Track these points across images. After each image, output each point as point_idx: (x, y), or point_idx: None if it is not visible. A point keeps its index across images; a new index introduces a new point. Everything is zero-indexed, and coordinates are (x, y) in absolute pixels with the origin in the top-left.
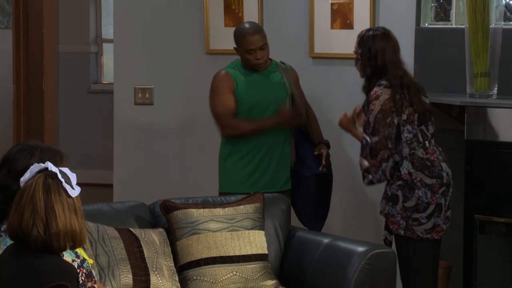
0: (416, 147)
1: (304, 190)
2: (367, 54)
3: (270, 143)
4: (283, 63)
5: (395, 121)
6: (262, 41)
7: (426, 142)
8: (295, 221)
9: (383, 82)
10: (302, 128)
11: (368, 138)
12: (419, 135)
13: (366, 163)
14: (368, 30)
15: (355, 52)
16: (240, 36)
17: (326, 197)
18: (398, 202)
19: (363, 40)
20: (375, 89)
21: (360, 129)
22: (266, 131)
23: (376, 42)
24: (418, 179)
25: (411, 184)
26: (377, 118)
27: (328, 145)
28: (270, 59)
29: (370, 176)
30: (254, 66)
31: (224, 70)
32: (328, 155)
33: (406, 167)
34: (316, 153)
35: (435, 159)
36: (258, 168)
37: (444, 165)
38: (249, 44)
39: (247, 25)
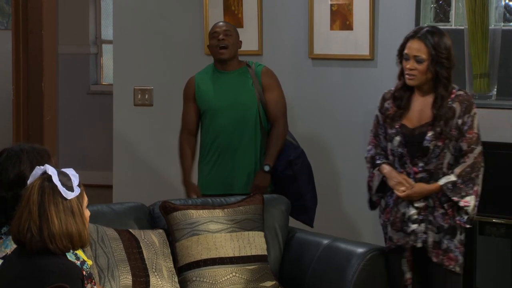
0: None
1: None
2: (448, 52)
3: (223, 145)
4: (258, 65)
5: None
6: (227, 27)
7: None
8: (294, 223)
9: (458, 88)
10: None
11: (456, 173)
12: None
13: (474, 198)
14: (434, 27)
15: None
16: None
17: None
18: (456, 235)
19: (444, 37)
20: (463, 92)
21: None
22: (221, 135)
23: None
24: None
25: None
26: (479, 124)
27: (269, 172)
28: (246, 62)
29: (476, 210)
30: (217, 53)
31: (192, 76)
32: (260, 187)
33: None
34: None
35: None
36: (218, 169)
37: None
38: (213, 28)
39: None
